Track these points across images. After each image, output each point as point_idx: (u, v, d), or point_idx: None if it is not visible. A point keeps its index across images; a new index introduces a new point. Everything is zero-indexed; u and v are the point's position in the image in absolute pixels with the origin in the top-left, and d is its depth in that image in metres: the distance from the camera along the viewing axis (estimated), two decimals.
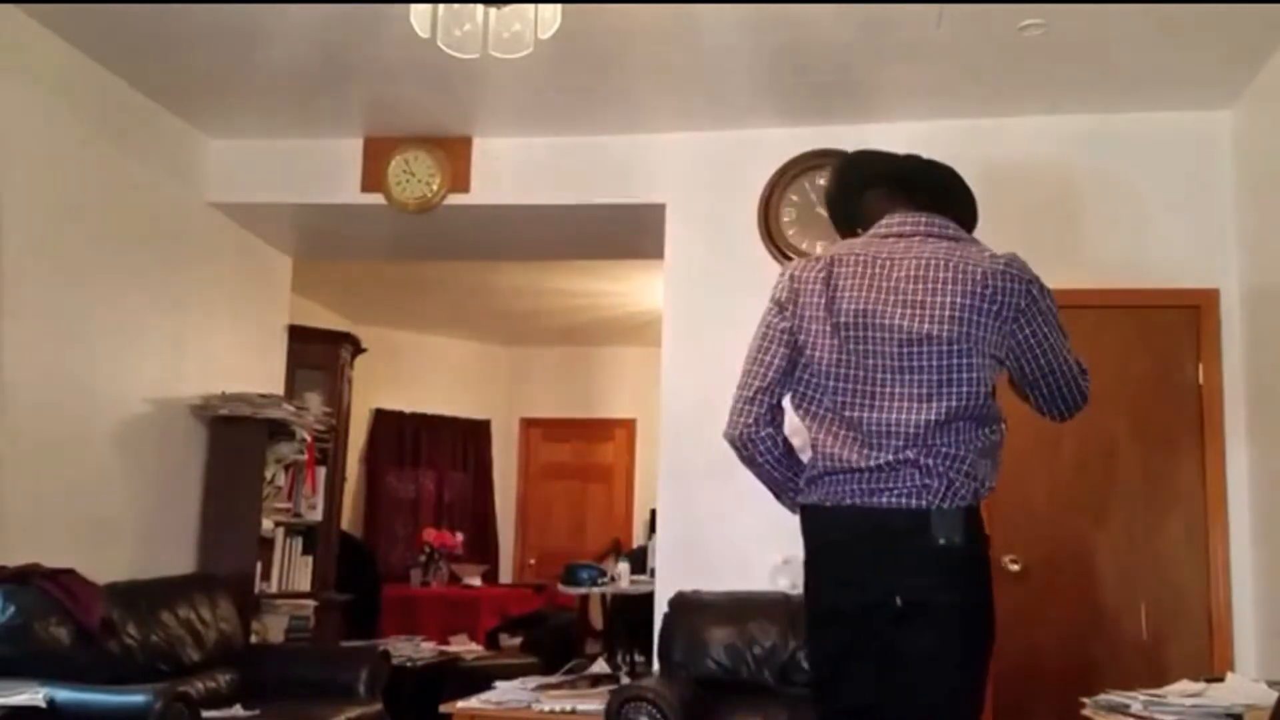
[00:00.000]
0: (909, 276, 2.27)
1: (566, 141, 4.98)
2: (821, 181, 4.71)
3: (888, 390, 2.25)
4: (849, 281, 2.31)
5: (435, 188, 4.99)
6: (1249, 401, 4.28)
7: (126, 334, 4.61)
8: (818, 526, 2.39)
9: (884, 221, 2.42)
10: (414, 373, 9.07)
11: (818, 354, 2.32)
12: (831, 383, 2.31)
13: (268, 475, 5.27)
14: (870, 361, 2.27)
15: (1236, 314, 4.37)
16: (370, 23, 3.90)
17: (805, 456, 2.46)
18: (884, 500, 2.23)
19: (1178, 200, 4.49)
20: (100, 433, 4.46)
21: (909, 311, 2.24)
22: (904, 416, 2.23)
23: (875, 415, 2.26)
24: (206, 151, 5.17)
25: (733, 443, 2.44)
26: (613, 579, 5.99)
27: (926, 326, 2.23)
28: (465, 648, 6.55)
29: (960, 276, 2.25)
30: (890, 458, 2.22)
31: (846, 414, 2.29)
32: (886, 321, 2.25)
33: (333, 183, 5.11)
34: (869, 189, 2.55)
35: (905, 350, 2.24)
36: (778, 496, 2.54)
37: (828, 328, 2.31)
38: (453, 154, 5.02)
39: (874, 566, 2.25)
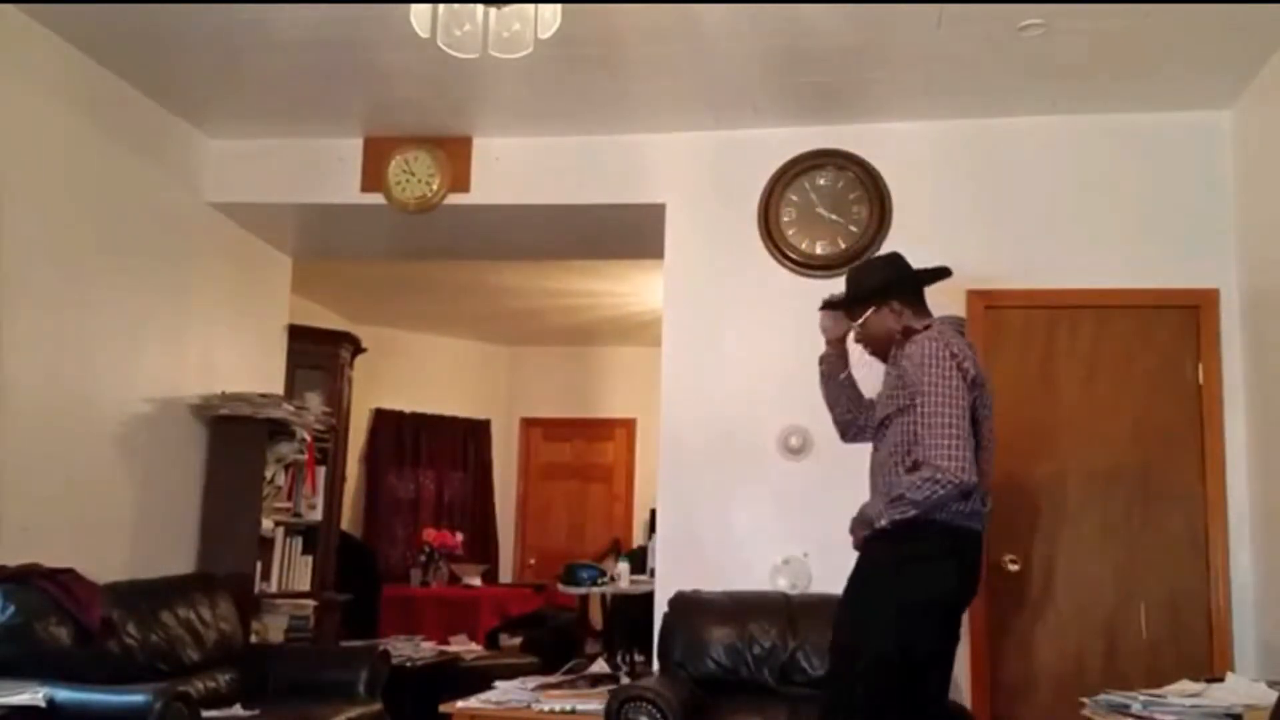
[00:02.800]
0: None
1: (566, 141, 4.98)
2: (822, 181, 4.72)
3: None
4: (974, 367, 3.08)
5: (435, 188, 4.99)
6: (1249, 401, 4.28)
7: (126, 334, 4.61)
8: (969, 545, 3.08)
9: (946, 317, 3.28)
10: (414, 373, 9.07)
11: (980, 420, 3.08)
12: (981, 442, 3.08)
13: (268, 475, 5.27)
14: (984, 428, 3.11)
15: (1236, 314, 4.37)
16: (370, 22, 3.90)
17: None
18: (979, 525, 3.11)
19: (1178, 200, 4.49)
20: (100, 433, 4.46)
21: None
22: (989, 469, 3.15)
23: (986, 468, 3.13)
24: (206, 151, 5.17)
25: (963, 487, 2.95)
26: (613, 579, 6.00)
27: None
28: (465, 648, 6.54)
29: None
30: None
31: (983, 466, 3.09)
32: (990, 400, 3.14)
33: (333, 183, 5.11)
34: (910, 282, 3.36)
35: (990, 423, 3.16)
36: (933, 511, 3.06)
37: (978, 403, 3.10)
38: (453, 154, 5.02)
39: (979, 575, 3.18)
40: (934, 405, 2.97)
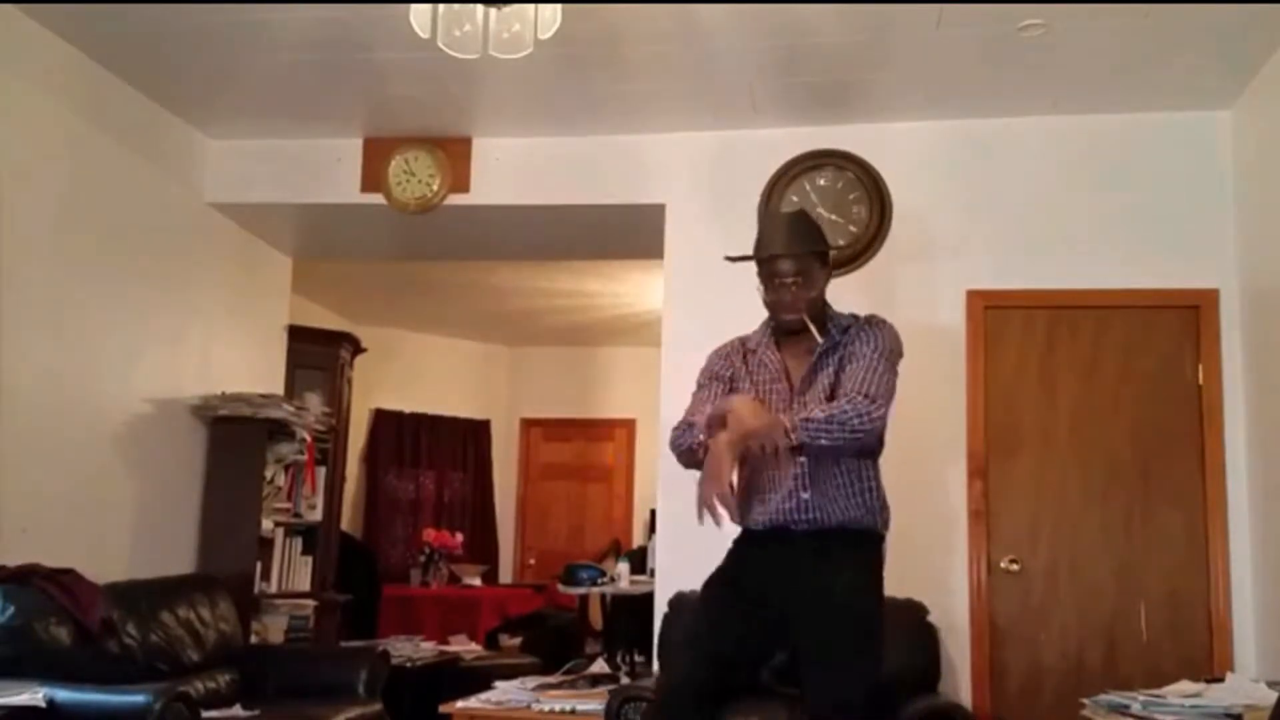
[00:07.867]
0: None
1: (566, 141, 4.98)
2: (822, 181, 4.72)
3: None
4: None
5: (435, 188, 5.00)
6: (1249, 401, 4.28)
7: (126, 334, 4.61)
8: None
9: None
10: (414, 373, 9.06)
11: None
12: None
13: (268, 475, 5.27)
14: None
15: (1236, 314, 4.37)
16: (370, 23, 3.90)
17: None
18: None
19: (1177, 200, 4.49)
20: (100, 433, 4.46)
21: None
22: None
23: None
24: (206, 151, 5.17)
25: (870, 435, 2.83)
26: (612, 579, 5.99)
27: None
28: (465, 648, 6.54)
29: None
30: None
31: None
32: None
33: (333, 183, 5.11)
34: None
35: None
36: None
37: None
38: (453, 154, 5.02)
39: None
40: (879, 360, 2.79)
